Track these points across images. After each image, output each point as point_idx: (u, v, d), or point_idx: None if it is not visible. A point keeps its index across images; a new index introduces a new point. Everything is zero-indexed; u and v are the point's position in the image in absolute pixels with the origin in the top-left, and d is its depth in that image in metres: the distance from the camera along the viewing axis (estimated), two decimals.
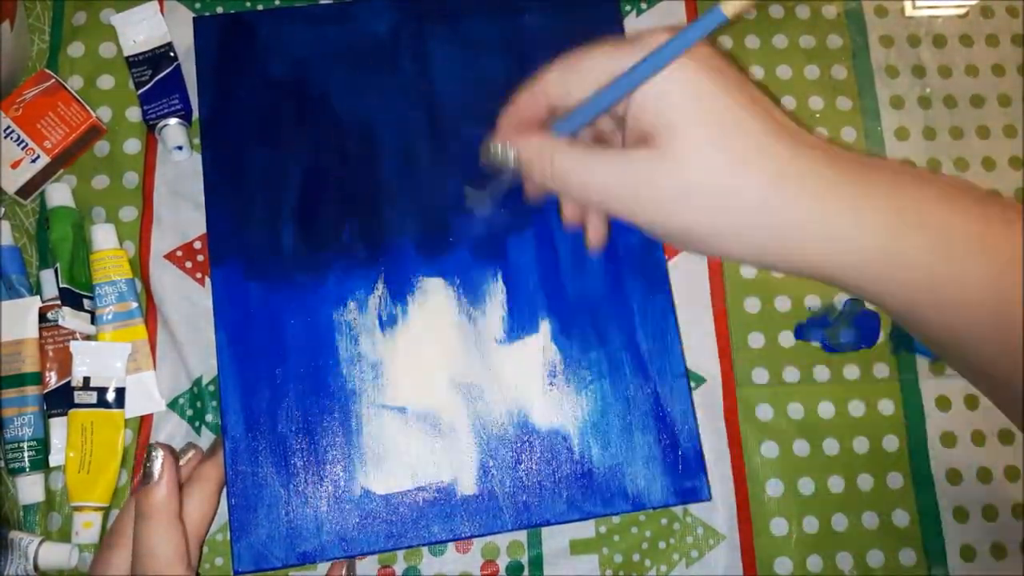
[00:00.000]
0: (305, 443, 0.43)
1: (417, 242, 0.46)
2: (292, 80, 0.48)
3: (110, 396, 0.45)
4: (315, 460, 0.42)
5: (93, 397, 0.44)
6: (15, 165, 0.47)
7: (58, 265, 0.46)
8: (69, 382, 0.45)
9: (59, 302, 0.45)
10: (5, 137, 0.47)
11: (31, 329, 0.45)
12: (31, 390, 0.45)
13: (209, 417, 0.46)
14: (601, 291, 0.45)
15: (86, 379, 0.45)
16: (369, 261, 0.45)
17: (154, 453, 0.38)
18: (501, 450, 0.43)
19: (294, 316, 0.44)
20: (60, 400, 0.45)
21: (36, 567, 0.42)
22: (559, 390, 0.44)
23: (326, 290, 0.45)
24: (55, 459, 0.45)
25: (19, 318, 0.45)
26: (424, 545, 0.42)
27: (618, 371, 0.44)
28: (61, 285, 0.45)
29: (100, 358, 0.45)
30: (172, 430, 0.46)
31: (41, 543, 0.42)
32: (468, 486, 0.42)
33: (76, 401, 0.44)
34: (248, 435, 0.43)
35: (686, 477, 0.43)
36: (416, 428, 0.43)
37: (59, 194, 0.47)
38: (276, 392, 0.43)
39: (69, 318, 0.45)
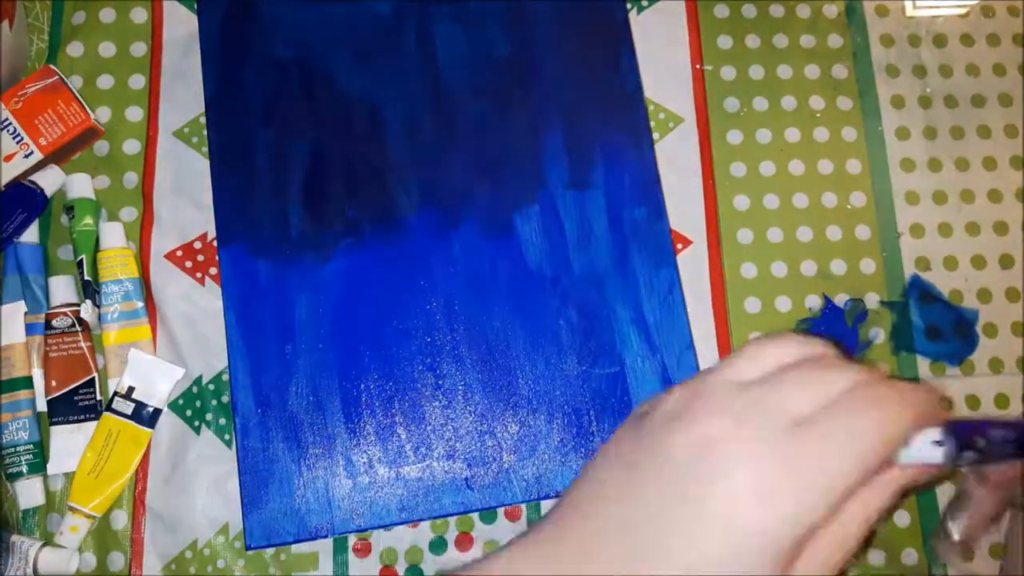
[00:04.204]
0: (315, 419, 0.43)
1: (423, 219, 0.46)
2: (296, 60, 0.48)
3: (145, 413, 0.44)
4: (325, 436, 0.43)
5: (130, 408, 0.44)
6: (8, 159, 0.46)
7: (83, 257, 0.46)
8: (72, 390, 0.44)
9: (65, 310, 0.45)
10: (2, 129, 0.47)
11: (18, 334, 0.45)
12: (24, 394, 0.44)
13: (209, 416, 0.45)
14: (608, 265, 0.46)
15: (130, 388, 0.44)
16: (375, 238, 0.45)
17: None
18: (510, 423, 0.43)
19: (302, 293, 0.44)
20: (63, 408, 0.44)
21: (36, 571, 0.41)
22: (568, 362, 0.44)
23: (333, 267, 0.45)
24: (61, 465, 0.44)
25: (6, 323, 0.45)
26: (435, 518, 0.43)
27: (625, 343, 0.45)
28: (86, 278, 0.45)
29: (150, 375, 0.45)
30: (172, 430, 0.45)
31: (42, 547, 0.42)
32: (478, 459, 0.42)
33: (113, 406, 0.44)
34: (258, 411, 0.43)
35: None
36: (426, 403, 0.44)
37: (80, 185, 0.47)
38: (286, 369, 0.43)
39: (91, 312, 0.45)
